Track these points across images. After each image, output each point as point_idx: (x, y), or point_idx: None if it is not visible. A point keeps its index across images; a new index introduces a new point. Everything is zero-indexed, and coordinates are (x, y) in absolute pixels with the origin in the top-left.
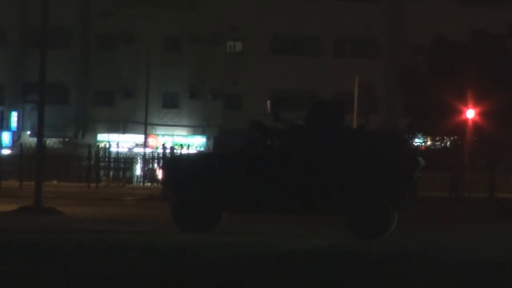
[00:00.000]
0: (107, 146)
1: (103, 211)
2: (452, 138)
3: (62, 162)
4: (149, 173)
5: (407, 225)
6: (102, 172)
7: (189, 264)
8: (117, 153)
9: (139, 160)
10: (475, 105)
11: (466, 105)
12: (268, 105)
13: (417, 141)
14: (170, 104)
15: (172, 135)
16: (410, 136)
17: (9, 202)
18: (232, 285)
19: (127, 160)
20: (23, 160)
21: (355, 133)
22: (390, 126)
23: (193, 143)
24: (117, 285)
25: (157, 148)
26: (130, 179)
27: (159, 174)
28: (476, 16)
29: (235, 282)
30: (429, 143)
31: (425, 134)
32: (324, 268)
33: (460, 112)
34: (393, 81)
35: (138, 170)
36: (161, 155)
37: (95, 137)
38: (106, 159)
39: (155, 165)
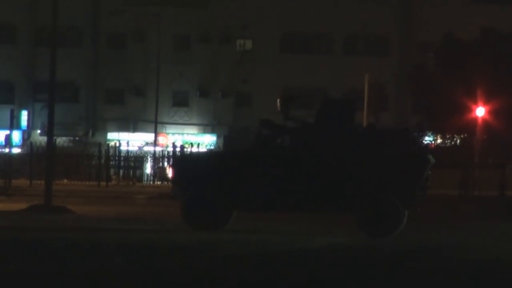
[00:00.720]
0: (117, 144)
1: (114, 209)
2: (462, 136)
3: (72, 161)
4: (159, 172)
5: (416, 223)
6: (112, 170)
7: (199, 263)
8: (127, 151)
9: (149, 159)
10: (485, 103)
11: (476, 103)
12: (278, 103)
13: (427, 139)
14: (180, 102)
15: (182, 134)
16: (420, 134)
17: (20, 200)
18: (243, 283)
19: (137, 159)
20: (33, 159)
21: (365, 131)
22: (400, 124)
23: (203, 141)
24: (127, 284)
25: (167, 146)
26: (140, 177)
27: (169, 172)
28: (485, 13)
29: (246, 280)
30: (439, 141)
31: (435, 132)
32: (333, 266)
33: (470, 110)
34: (403, 79)
35: (148, 168)
36: (171, 154)
37: (105, 135)
38: (116, 158)
39: (165, 164)
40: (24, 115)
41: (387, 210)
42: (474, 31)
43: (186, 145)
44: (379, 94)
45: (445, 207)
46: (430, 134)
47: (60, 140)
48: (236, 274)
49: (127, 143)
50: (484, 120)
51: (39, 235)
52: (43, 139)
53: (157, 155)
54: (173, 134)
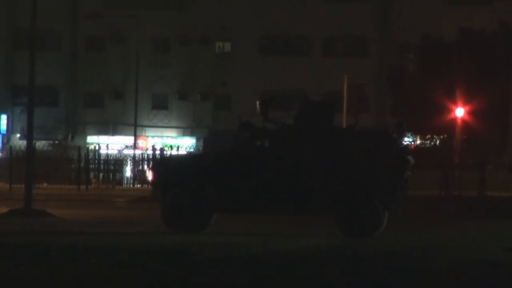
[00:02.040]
0: (97, 148)
1: (94, 213)
2: (441, 137)
3: (52, 165)
4: (139, 175)
5: (397, 224)
6: (92, 174)
7: (181, 266)
8: (107, 155)
9: (129, 162)
10: (464, 104)
11: (455, 104)
12: (258, 106)
13: (407, 140)
14: (160, 105)
15: (162, 136)
16: (400, 135)
17: None
18: (226, 285)
19: (117, 162)
20: (13, 163)
21: (344, 132)
22: (380, 125)
23: (182, 144)
24: (111, 286)
25: (146, 149)
26: (120, 181)
27: (149, 175)
28: (464, 14)
29: (229, 282)
30: (418, 141)
31: (415, 133)
32: (316, 267)
33: (450, 111)
34: (382, 80)
35: (128, 171)
36: (151, 157)
37: (85, 139)
38: (96, 161)
39: (145, 167)
40: (4, 119)
41: (367, 212)
42: (453, 32)
43: (166, 148)
44: (359, 95)
45: (425, 207)
46: (409, 135)
47: (40, 144)
48: (220, 277)
49: (107, 146)
50: (463, 120)
51: (20, 239)
52: (23, 143)
53: (136, 158)
54: (152, 137)
